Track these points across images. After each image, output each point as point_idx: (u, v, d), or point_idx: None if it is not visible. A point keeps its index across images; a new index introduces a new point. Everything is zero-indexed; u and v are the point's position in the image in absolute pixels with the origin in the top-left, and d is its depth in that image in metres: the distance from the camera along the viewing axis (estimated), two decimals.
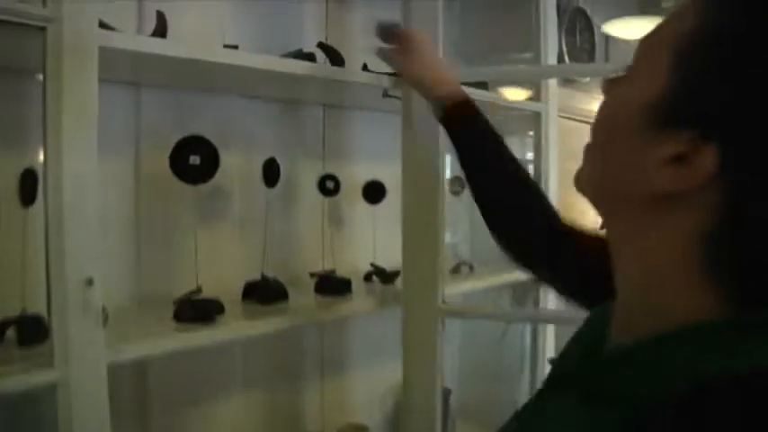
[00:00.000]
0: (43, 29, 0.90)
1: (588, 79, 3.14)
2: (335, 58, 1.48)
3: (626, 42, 3.82)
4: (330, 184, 1.53)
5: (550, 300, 1.87)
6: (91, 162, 0.95)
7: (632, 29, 3.77)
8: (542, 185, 1.86)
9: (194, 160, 1.22)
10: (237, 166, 1.49)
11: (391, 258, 1.79)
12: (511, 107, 1.85)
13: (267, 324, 1.26)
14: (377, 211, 1.68)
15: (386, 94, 1.44)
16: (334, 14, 1.73)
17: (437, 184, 1.43)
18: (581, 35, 3.24)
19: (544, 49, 1.88)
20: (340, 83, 1.40)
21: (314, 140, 1.72)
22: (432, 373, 1.43)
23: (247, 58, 1.21)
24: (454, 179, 1.90)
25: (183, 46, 1.12)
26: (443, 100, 1.14)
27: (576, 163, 0.64)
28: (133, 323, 1.21)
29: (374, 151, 1.82)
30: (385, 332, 1.76)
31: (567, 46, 2.95)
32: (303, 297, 1.47)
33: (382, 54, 1.26)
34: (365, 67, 1.54)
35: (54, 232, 0.92)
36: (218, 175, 1.28)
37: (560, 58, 2.68)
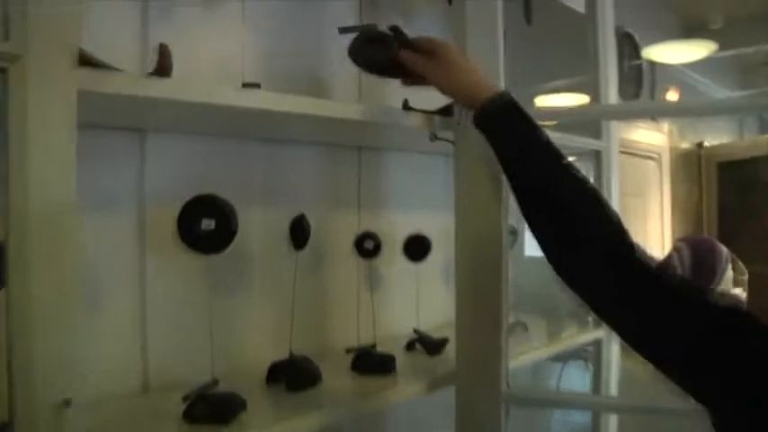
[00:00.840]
0: (4, 71, 0.69)
1: None
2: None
3: (671, 67, 3.59)
4: (369, 245, 1.29)
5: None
6: (70, 237, 0.73)
7: (675, 53, 3.55)
8: None
9: (207, 225, 0.99)
10: (259, 225, 1.27)
11: (436, 322, 1.56)
12: (569, 145, 1.62)
13: (299, 424, 1.02)
14: (419, 269, 1.44)
15: (434, 138, 1.22)
16: None
17: (498, 237, 1.18)
18: (628, 60, 3.02)
19: (604, 84, 1.66)
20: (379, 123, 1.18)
21: (347, 189, 1.49)
22: None
23: (271, 100, 1.00)
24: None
25: (189, 88, 0.90)
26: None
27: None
28: (134, 426, 0.99)
29: (416, 199, 1.59)
30: (430, 406, 1.51)
31: None
32: (339, 379, 1.23)
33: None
34: (406, 105, 1.32)
35: (17, 331, 0.70)
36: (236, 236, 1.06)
37: None
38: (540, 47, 2.03)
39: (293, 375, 1.16)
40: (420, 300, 1.46)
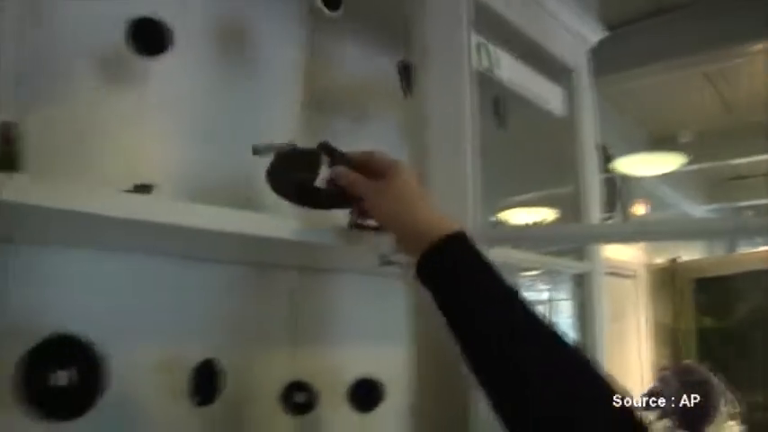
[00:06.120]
0: None
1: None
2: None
3: (641, 180, 3.49)
4: (300, 398, 1.00)
5: None
6: None
7: (644, 165, 3.45)
8: (591, 352, 1.40)
9: (60, 379, 0.71)
10: (149, 373, 0.95)
11: None
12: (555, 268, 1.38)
13: None
14: (369, 422, 1.14)
15: (385, 262, 0.97)
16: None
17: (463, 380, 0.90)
18: (601, 172, 2.87)
19: (584, 199, 1.45)
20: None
21: (279, 321, 1.17)
22: None
23: (168, 211, 0.73)
24: None
25: (51, 189, 0.64)
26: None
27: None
28: None
29: (368, 333, 1.30)
30: None
31: None
32: None
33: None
34: (353, 221, 1.07)
35: None
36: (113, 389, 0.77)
37: None
38: (512, 154, 1.84)
39: None
40: None
